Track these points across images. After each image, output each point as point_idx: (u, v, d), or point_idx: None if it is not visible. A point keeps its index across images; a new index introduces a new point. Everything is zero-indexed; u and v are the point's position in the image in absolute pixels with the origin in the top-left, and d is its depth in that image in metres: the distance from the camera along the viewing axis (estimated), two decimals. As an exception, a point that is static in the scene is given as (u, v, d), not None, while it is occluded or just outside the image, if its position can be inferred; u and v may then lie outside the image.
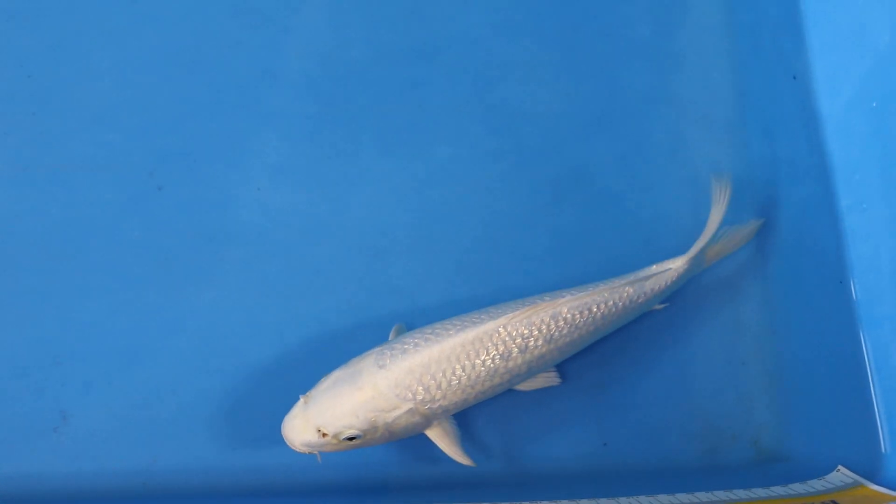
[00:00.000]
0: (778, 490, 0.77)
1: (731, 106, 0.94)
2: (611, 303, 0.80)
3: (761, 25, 0.93)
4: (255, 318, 0.86)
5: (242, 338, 0.86)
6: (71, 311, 0.85)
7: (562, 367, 0.85)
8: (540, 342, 0.77)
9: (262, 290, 0.87)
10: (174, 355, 0.85)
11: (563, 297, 0.79)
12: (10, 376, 0.84)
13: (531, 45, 0.95)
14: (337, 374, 0.77)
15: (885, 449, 0.81)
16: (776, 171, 0.90)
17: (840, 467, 0.79)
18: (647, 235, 0.90)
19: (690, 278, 0.86)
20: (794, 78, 0.89)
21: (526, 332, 0.77)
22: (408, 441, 0.81)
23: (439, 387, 0.76)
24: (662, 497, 0.76)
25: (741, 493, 0.77)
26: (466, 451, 0.80)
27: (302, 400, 0.76)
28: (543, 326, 0.77)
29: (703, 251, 0.83)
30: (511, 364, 0.77)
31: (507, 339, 0.77)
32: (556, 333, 0.78)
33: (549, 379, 0.82)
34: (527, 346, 0.77)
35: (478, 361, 0.76)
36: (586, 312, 0.79)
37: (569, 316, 0.78)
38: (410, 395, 0.75)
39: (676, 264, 0.82)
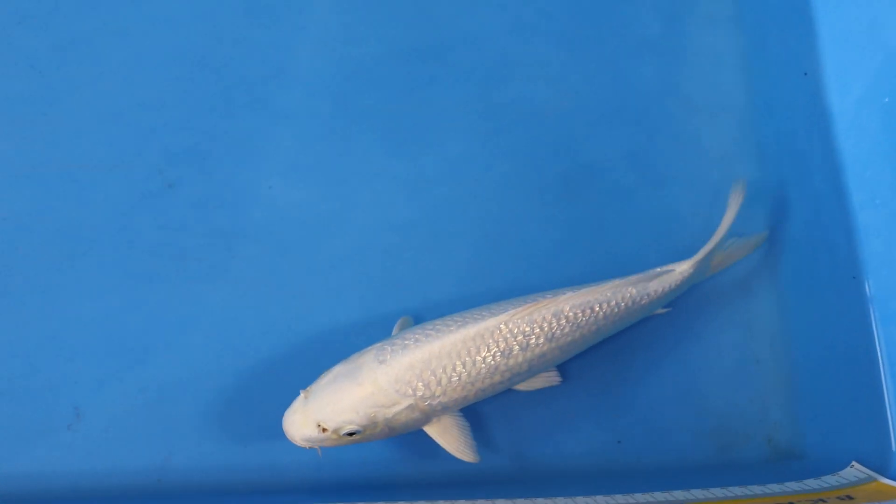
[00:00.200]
0: (793, 485, 0.77)
1: (741, 103, 0.94)
2: (613, 302, 0.79)
3: (771, 22, 0.94)
4: (268, 315, 0.86)
5: (255, 334, 0.86)
6: (84, 309, 0.85)
7: (574, 365, 0.85)
8: (541, 340, 0.77)
9: (274, 287, 0.87)
10: (187, 352, 0.85)
11: (565, 294, 0.78)
12: (23, 374, 0.84)
13: (541, 42, 0.95)
14: (337, 370, 0.77)
15: (899, 444, 0.81)
16: (787, 167, 0.90)
17: (854, 463, 0.79)
18: (657, 232, 0.90)
19: (696, 284, 0.85)
20: (805, 74, 0.89)
21: (527, 329, 0.77)
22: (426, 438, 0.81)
23: (439, 383, 0.75)
24: (678, 493, 0.76)
25: (756, 489, 0.77)
26: (479, 447, 0.80)
27: (302, 395, 0.76)
28: (545, 324, 0.77)
29: (709, 257, 0.83)
30: (512, 362, 0.77)
31: (508, 336, 0.76)
32: (558, 332, 0.78)
33: (550, 379, 0.82)
34: (528, 344, 0.77)
35: (478, 358, 0.76)
36: (588, 311, 0.79)
37: (571, 314, 0.78)
38: (410, 390, 0.75)
39: (682, 268, 0.82)
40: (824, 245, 0.86)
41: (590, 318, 0.79)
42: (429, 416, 0.77)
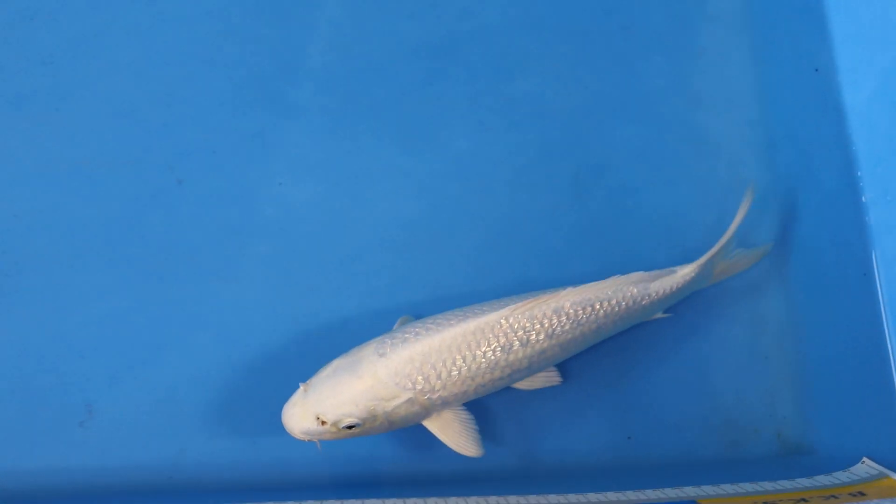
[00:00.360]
0: (804, 482, 0.77)
1: (752, 100, 0.94)
2: (614, 301, 0.79)
3: (783, 18, 0.93)
4: (278, 312, 0.86)
5: (265, 331, 0.86)
6: (95, 306, 0.86)
7: (583, 362, 0.85)
8: (542, 336, 0.77)
9: (285, 283, 0.87)
10: (198, 349, 0.85)
11: (566, 290, 0.78)
12: (35, 371, 0.84)
13: (550, 38, 0.95)
14: (337, 363, 0.77)
15: (910, 440, 0.81)
16: (798, 164, 0.90)
17: (865, 459, 0.79)
18: (667, 229, 0.90)
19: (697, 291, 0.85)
20: (817, 70, 0.89)
21: (528, 325, 0.77)
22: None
23: (439, 377, 0.75)
24: (689, 489, 0.77)
25: (767, 485, 0.77)
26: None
27: (302, 388, 0.76)
28: (546, 320, 0.77)
29: (712, 262, 0.83)
30: (512, 357, 0.77)
31: (508, 331, 0.76)
32: (558, 329, 0.78)
33: (550, 379, 0.81)
34: (528, 340, 0.77)
35: (479, 353, 0.76)
36: (589, 309, 0.78)
37: (571, 311, 0.78)
38: (410, 384, 0.75)
39: (684, 270, 0.82)
40: (835, 241, 0.86)
41: (590, 315, 0.79)
42: (428, 410, 0.77)
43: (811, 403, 0.86)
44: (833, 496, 0.73)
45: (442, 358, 0.76)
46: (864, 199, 0.84)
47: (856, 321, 0.84)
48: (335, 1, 0.95)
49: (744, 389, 0.87)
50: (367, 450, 0.84)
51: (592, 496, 0.76)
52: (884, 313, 0.83)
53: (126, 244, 0.87)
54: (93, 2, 0.93)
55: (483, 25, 0.95)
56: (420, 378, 0.75)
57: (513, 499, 0.76)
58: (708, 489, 0.77)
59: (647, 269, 0.82)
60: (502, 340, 0.76)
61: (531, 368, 0.79)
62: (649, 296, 0.81)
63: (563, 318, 0.78)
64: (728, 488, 0.77)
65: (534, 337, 0.77)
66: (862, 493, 0.74)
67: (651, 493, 0.76)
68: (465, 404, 0.79)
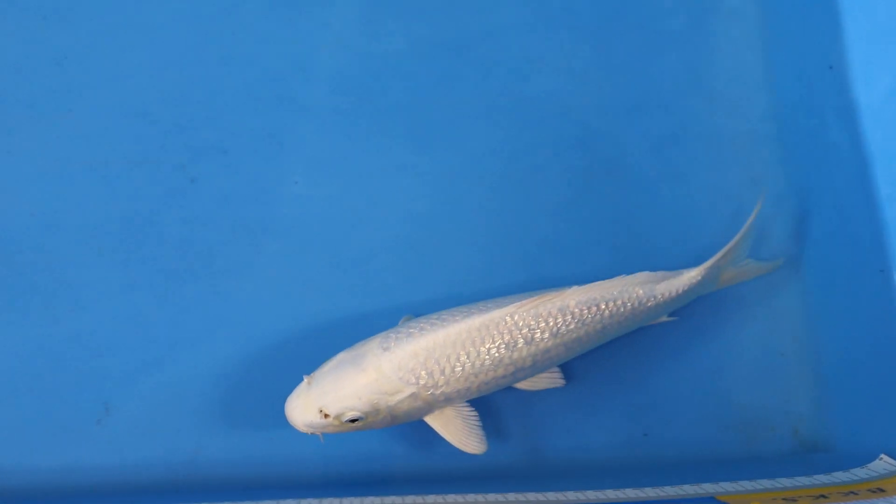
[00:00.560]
0: (821, 478, 0.77)
1: (765, 97, 0.94)
2: (619, 301, 0.79)
3: (796, 15, 0.93)
4: (294, 310, 0.87)
5: (281, 329, 0.86)
6: (111, 304, 0.86)
7: (597, 359, 0.85)
8: (546, 335, 0.77)
9: (300, 282, 0.87)
10: (214, 346, 0.85)
11: (571, 289, 0.78)
12: (52, 369, 0.84)
13: (564, 37, 0.95)
14: (341, 356, 0.77)
15: (928, 436, 0.81)
16: (813, 161, 0.90)
17: (883, 456, 0.79)
18: (680, 227, 0.91)
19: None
20: (831, 68, 0.89)
21: (533, 322, 0.77)
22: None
23: (443, 372, 0.75)
24: (707, 486, 0.77)
25: (785, 482, 0.77)
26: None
27: (305, 380, 0.76)
28: (550, 319, 0.77)
29: (719, 266, 0.83)
30: (516, 355, 0.77)
31: (513, 328, 0.76)
32: (563, 328, 0.78)
33: (554, 381, 0.81)
34: (533, 338, 0.77)
35: (483, 349, 0.76)
36: (594, 308, 0.78)
37: (576, 310, 0.78)
38: (414, 378, 0.75)
39: (690, 273, 0.82)
40: (850, 238, 0.86)
41: (595, 315, 0.78)
42: (431, 405, 0.77)
43: (827, 400, 0.86)
44: (852, 492, 0.73)
45: (446, 353, 0.76)
46: (879, 195, 0.84)
47: (872, 317, 0.84)
48: (349, 0, 0.95)
49: (760, 386, 0.87)
50: (382, 446, 0.84)
51: (611, 493, 0.76)
52: (900, 310, 0.83)
53: (141, 243, 0.87)
54: (105, 1, 0.93)
55: (496, 25, 0.95)
56: (423, 373, 0.75)
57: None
58: (726, 485, 0.77)
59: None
60: (507, 338, 0.76)
61: (535, 367, 0.79)
62: (654, 297, 0.81)
63: (568, 317, 0.78)
64: (747, 485, 0.77)
65: (538, 335, 0.77)
66: (881, 490, 0.73)
67: (670, 490, 0.76)
68: (471, 402, 0.79)
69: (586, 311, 0.78)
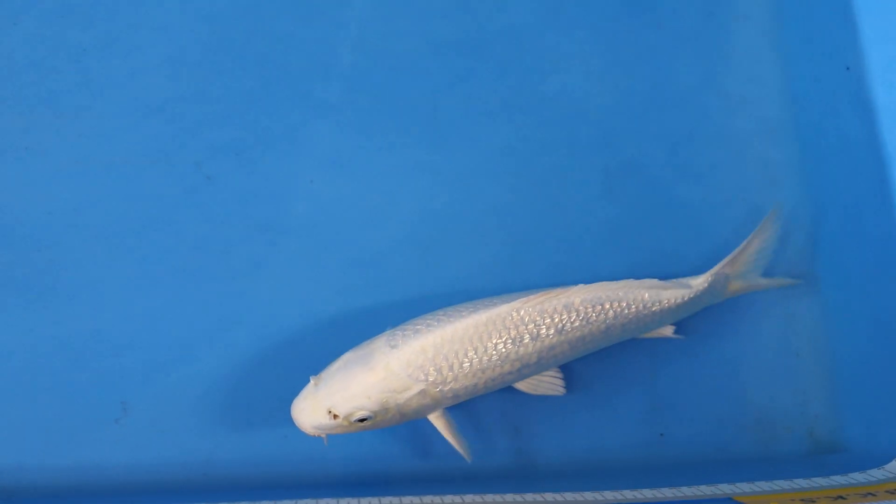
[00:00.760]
0: (838, 479, 0.77)
1: (782, 97, 0.94)
2: (624, 303, 0.80)
3: (813, 15, 0.93)
4: (310, 309, 0.87)
5: (298, 328, 0.86)
6: (129, 303, 0.86)
7: (614, 360, 0.86)
8: (552, 331, 0.77)
9: (317, 281, 0.88)
10: (231, 346, 0.86)
11: (577, 286, 0.79)
12: (70, 368, 0.84)
13: (581, 36, 0.95)
14: (347, 356, 0.77)
15: (945, 438, 0.81)
16: (830, 162, 0.90)
17: (899, 457, 0.79)
18: (697, 226, 0.91)
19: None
20: (848, 69, 0.89)
21: (538, 318, 0.77)
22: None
23: (451, 368, 0.76)
24: (724, 486, 0.77)
25: (802, 483, 0.77)
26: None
27: (312, 381, 0.76)
28: (556, 315, 0.78)
29: (726, 275, 0.83)
30: (522, 351, 0.77)
31: (519, 323, 0.77)
32: (568, 325, 0.78)
33: (555, 387, 0.81)
34: (538, 334, 0.77)
35: (489, 345, 0.76)
36: (599, 307, 0.79)
37: (581, 308, 0.78)
38: (423, 375, 0.75)
39: (697, 281, 0.83)
40: (866, 239, 0.86)
41: (599, 314, 0.79)
42: (438, 402, 0.78)
43: (843, 401, 0.86)
44: (870, 493, 0.74)
45: (454, 349, 0.76)
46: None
47: (888, 318, 0.84)
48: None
49: (775, 387, 0.87)
50: (399, 447, 0.84)
51: (628, 493, 0.76)
52: (917, 311, 0.83)
53: (158, 241, 0.88)
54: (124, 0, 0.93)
55: (513, 23, 0.95)
56: (432, 369, 0.76)
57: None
58: (743, 486, 0.77)
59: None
60: (513, 333, 0.77)
61: (540, 364, 0.79)
62: (660, 302, 0.81)
63: (573, 315, 0.78)
64: (764, 485, 0.77)
65: (544, 331, 0.77)
66: (899, 491, 0.74)
67: (687, 491, 0.76)
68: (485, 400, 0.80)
69: (591, 310, 0.78)
